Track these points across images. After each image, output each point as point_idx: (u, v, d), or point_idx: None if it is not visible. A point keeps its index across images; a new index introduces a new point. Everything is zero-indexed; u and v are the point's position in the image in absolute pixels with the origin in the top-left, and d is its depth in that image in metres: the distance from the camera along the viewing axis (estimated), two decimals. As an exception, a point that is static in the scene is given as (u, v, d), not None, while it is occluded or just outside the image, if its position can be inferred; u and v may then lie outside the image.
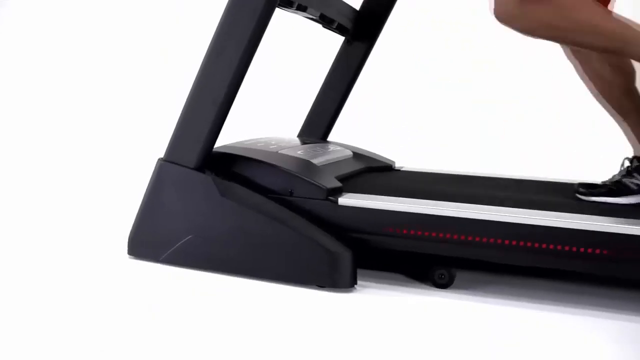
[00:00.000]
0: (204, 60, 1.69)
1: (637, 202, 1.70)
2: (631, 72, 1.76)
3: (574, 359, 1.28)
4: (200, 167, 1.69)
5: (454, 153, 3.13)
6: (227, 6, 1.67)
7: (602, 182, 1.77)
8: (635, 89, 1.77)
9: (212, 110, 1.67)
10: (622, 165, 1.76)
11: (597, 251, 1.47)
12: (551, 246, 1.49)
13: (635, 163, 1.73)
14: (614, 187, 1.71)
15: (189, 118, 1.70)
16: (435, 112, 3.30)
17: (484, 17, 1.69)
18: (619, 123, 1.81)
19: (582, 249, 1.48)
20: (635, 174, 1.71)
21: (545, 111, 3.33)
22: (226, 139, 1.89)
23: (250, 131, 2.23)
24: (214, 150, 1.75)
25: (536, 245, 1.50)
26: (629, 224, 1.49)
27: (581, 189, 1.76)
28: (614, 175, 1.76)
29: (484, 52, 3.38)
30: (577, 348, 1.33)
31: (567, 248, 1.48)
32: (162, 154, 1.74)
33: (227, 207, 1.63)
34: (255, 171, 1.71)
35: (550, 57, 1.91)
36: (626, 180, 1.71)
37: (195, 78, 1.70)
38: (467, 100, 3.35)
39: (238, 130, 2.23)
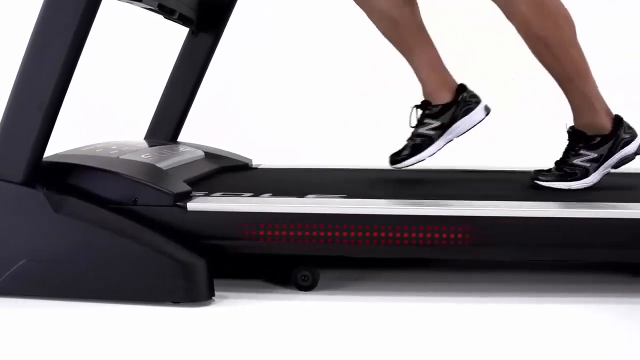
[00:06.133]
0: (23, 59, 1.52)
1: (593, 181, 1.70)
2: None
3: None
4: (29, 181, 1.53)
5: (319, 146, 3.06)
6: None
7: (555, 162, 1.74)
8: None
9: (38, 116, 1.52)
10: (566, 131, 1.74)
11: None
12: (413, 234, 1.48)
13: (573, 137, 1.71)
14: (568, 169, 1.70)
15: (11, 126, 1.53)
16: (292, 105, 3.24)
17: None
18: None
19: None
20: (581, 151, 1.70)
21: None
22: (60, 147, 1.73)
23: (91, 137, 2.05)
24: (43, 160, 1.58)
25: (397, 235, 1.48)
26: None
27: (539, 176, 1.72)
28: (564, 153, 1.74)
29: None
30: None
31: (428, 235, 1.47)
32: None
33: (63, 224, 1.49)
34: (92, 181, 1.57)
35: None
36: (577, 161, 1.70)
37: (15, 80, 1.53)
38: (327, 92, 3.29)
39: (75, 137, 2.07)
